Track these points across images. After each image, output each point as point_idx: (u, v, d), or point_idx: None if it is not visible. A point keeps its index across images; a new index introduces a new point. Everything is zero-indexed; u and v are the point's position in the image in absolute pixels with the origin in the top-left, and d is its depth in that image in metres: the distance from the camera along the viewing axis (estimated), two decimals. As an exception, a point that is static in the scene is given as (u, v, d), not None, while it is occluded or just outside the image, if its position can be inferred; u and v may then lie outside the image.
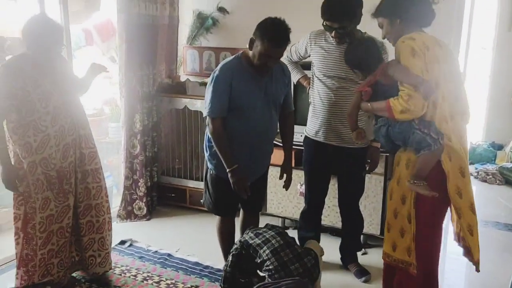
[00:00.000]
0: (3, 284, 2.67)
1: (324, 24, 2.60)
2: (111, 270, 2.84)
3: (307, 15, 3.30)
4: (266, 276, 2.33)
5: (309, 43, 2.75)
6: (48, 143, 2.41)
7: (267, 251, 2.37)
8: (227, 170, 2.47)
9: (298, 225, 3.17)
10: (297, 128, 3.32)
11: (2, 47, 3.60)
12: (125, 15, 3.50)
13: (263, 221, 3.30)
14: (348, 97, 2.62)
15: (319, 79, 2.71)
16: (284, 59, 2.89)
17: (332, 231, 3.44)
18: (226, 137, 2.45)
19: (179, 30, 4.11)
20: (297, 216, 3.46)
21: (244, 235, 2.55)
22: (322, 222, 3.25)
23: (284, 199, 3.52)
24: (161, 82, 3.93)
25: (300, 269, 2.33)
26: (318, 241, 3.12)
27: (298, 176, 3.38)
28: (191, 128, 3.87)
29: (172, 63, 4.11)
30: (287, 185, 2.77)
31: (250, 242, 2.45)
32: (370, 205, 3.25)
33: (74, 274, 2.79)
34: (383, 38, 2.20)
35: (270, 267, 2.32)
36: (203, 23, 4.08)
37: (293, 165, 3.36)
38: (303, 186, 3.36)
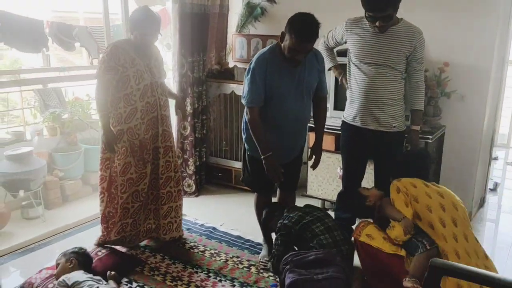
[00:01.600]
0: (66, 246, 2.98)
1: (367, 15, 2.63)
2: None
3: (351, 7, 3.38)
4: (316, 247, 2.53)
5: (345, 31, 2.83)
6: (135, 115, 2.76)
7: (322, 228, 2.59)
8: (261, 157, 2.63)
9: (335, 206, 3.30)
10: (337, 113, 3.46)
11: (71, 34, 4.00)
12: (178, 5, 3.74)
13: (303, 202, 3.47)
14: (385, 82, 2.71)
15: (356, 66, 2.80)
16: (321, 44, 2.99)
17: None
18: (262, 126, 2.61)
19: (229, 19, 4.31)
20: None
21: (285, 218, 2.71)
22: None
23: (324, 182, 3.66)
24: (210, 68, 4.16)
25: (349, 251, 2.58)
26: (354, 222, 3.24)
27: (338, 160, 3.51)
28: (238, 112, 4.08)
29: (221, 50, 4.33)
30: (314, 166, 2.92)
31: (302, 220, 2.64)
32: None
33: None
34: None
35: (324, 242, 2.51)
36: (252, 12, 4.25)
37: (333, 149, 3.53)
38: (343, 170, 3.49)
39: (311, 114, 2.85)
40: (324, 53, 2.94)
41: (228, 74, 4.11)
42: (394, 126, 2.79)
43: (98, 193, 2.90)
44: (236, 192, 4.17)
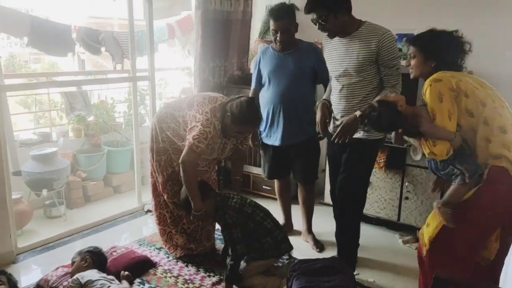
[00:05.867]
0: (85, 245, 3.03)
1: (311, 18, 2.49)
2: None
3: (381, 12, 3.34)
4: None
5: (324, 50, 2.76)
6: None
7: (262, 214, 2.70)
8: None
9: None
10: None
11: (97, 39, 4.11)
12: (201, 12, 3.79)
13: (320, 210, 3.44)
14: (354, 94, 2.54)
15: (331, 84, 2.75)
16: None
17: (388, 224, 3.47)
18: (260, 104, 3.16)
19: (252, 25, 4.34)
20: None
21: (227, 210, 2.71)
22: (378, 215, 3.31)
23: (342, 190, 3.61)
24: (232, 73, 4.20)
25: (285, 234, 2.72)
26: None
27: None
28: (258, 117, 4.08)
29: (243, 56, 4.36)
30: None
31: (243, 208, 2.71)
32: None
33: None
34: (407, 66, 2.19)
35: (269, 226, 2.63)
36: (275, 18, 4.25)
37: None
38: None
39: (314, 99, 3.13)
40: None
41: (249, 80, 4.11)
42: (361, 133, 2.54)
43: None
44: (254, 197, 4.12)
